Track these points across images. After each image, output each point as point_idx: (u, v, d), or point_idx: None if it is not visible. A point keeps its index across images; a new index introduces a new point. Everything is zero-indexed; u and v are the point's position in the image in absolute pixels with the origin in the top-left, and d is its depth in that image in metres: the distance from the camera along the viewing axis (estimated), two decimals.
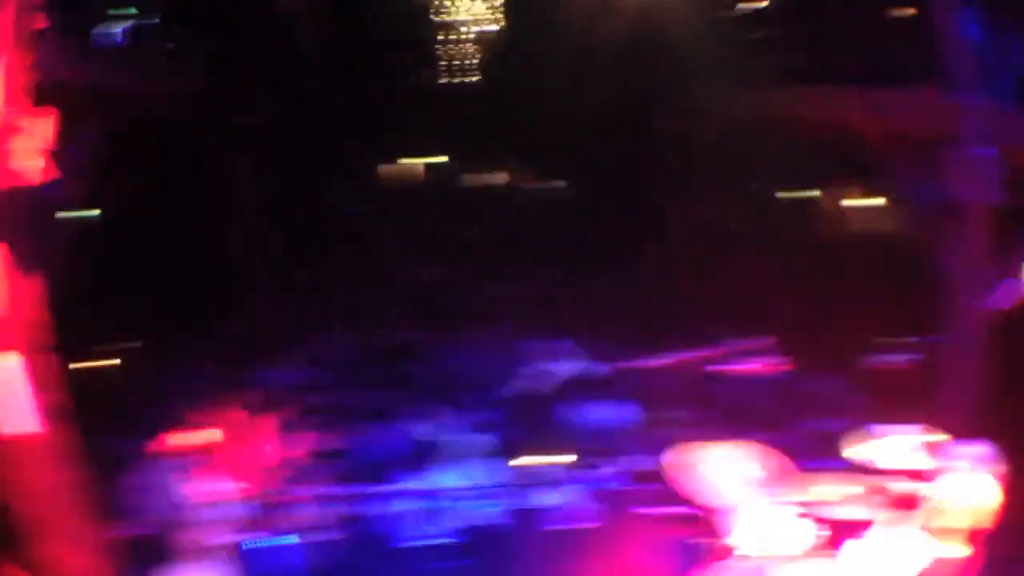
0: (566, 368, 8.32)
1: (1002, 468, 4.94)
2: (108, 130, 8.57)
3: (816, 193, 18.41)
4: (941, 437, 5.57)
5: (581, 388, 8.56)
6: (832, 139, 10.89)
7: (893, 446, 5.61)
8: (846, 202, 18.57)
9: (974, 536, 4.89)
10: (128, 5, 10.21)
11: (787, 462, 5.52)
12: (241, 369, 11.36)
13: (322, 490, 7.19)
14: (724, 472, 4.87)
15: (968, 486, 4.92)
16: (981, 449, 5.03)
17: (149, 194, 14.95)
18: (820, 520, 5.12)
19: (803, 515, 5.17)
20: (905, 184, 8.82)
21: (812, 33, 11.28)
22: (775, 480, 4.69)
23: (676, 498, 7.17)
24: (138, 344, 11.95)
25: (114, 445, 8.76)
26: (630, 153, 17.44)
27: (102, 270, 12.37)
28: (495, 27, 19.21)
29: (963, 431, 6.49)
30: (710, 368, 9.93)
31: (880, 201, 18.09)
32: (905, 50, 9.15)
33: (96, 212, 15.66)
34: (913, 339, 6.12)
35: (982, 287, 7.90)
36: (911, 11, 9.45)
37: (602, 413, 8.89)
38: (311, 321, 13.33)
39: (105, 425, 9.23)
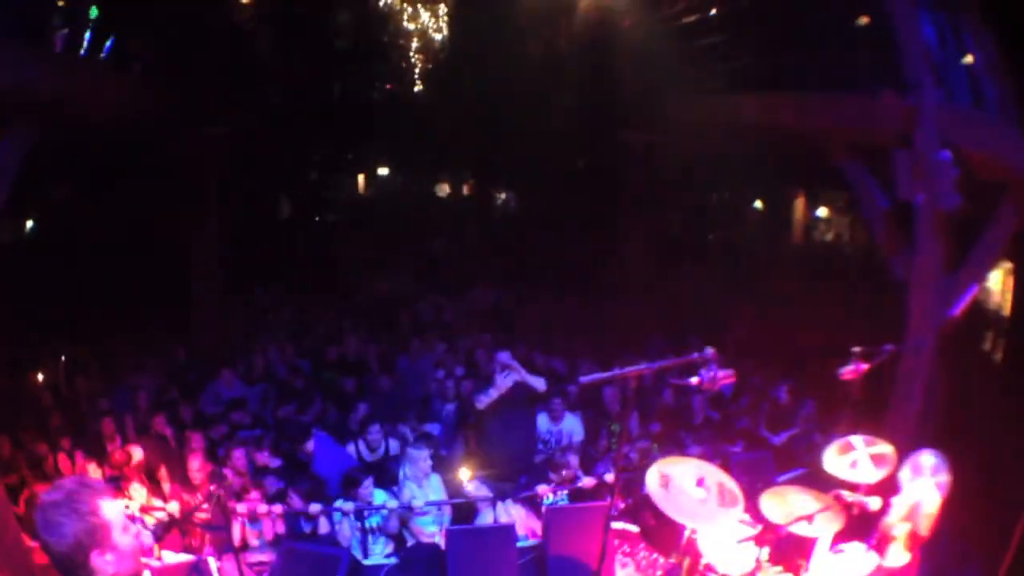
0: (515, 382, 8.03)
1: (951, 476, 4.89)
2: (48, 136, 8.24)
3: (770, 202, 18.65)
4: (892, 447, 5.51)
5: (531, 402, 8.30)
6: (788, 145, 10.88)
7: (846, 457, 5.55)
8: (801, 210, 18.87)
9: (924, 544, 4.85)
10: (78, 8, 9.86)
11: (741, 476, 5.38)
12: (181, 383, 11.03)
13: (257, 508, 6.83)
14: (679, 488, 4.65)
15: (920, 495, 4.84)
16: (932, 458, 4.98)
17: (93, 203, 14.65)
18: (776, 534, 4.99)
19: (759, 531, 5.04)
20: (860, 189, 8.78)
21: (766, 39, 11.29)
22: (730, 495, 4.49)
23: (628, 514, 7.01)
24: (75, 357, 11.58)
25: (45, 459, 8.45)
26: (587, 165, 17.43)
27: (39, 282, 12.03)
28: (453, 39, 19.10)
29: (915, 440, 6.46)
30: (663, 380, 9.83)
31: (836, 208, 18.39)
32: (860, 53, 9.18)
33: (31, 222, 15.43)
34: (867, 348, 6.02)
35: (937, 294, 7.92)
36: (866, 14, 9.47)
37: (552, 427, 8.67)
38: (255, 335, 13.00)
39: (34, 438, 8.92)
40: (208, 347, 12.50)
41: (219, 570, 5.61)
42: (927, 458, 4.97)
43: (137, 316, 13.04)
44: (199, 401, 10.30)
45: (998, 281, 10.90)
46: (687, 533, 4.71)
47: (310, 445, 8.25)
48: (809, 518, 4.90)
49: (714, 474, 4.49)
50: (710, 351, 3.86)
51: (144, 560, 2.79)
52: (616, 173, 15.30)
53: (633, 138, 14.34)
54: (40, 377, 10.79)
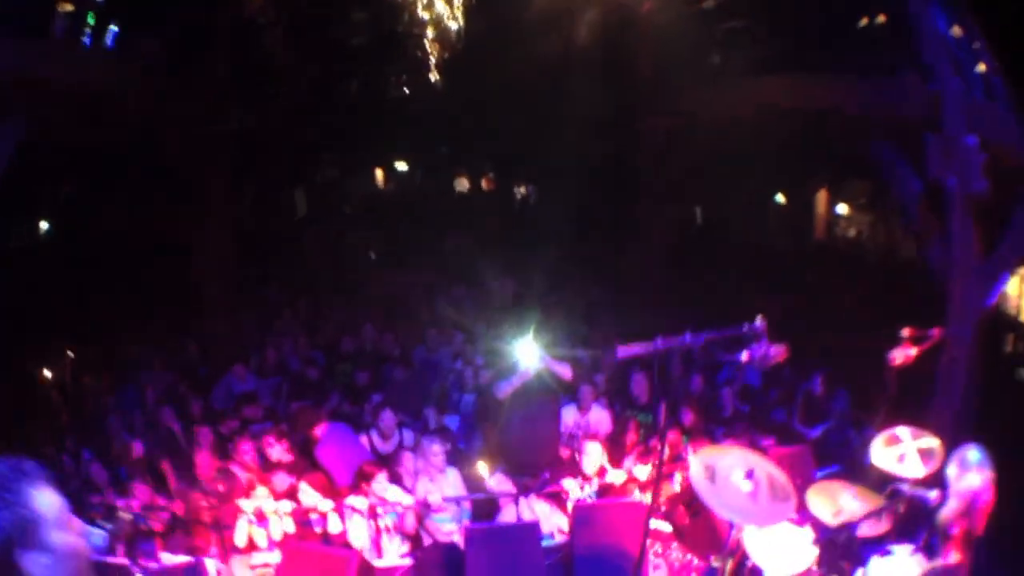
0: (537, 372, 7.63)
1: (995, 470, 4.73)
2: (46, 132, 8.04)
3: (792, 196, 18.34)
4: (937, 441, 5.27)
5: (555, 391, 7.90)
6: (816, 130, 10.63)
7: (893, 450, 5.25)
8: (824, 205, 18.54)
9: (972, 540, 4.66)
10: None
11: (789, 470, 5.04)
12: (192, 378, 10.78)
13: (264, 506, 6.48)
14: (726, 481, 4.26)
15: (975, 489, 4.64)
16: (977, 453, 4.77)
17: (100, 201, 14.48)
18: (826, 532, 4.67)
19: (810, 528, 4.72)
20: (893, 173, 8.71)
21: (788, 23, 11.14)
22: (782, 489, 4.09)
23: (663, 511, 6.62)
24: (85, 354, 11.38)
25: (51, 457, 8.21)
26: (608, 156, 17.11)
27: (47, 280, 11.85)
28: (469, 29, 18.77)
29: (958, 433, 6.25)
30: (691, 369, 9.46)
31: (856, 205, 18.11)
32: (884, 39, 9.19)
33: (46, 224, 15.30)
34: (917, 331, 5.73)
35: (975, 281, 7.88)
36: (882, 11, 9.53)
37: (579, 418, 8.29)
38: (269, 329, 12.74)
39: (42, 437, 8.70)
40: (221, 342, 12.26)
41: (218, 572, 5.24)
42: (973, 453, 4.78)
43: (146, 313, 12.84)
44: (210, 396, 10.01)
45: (1015, 286, 11.24)
46: (734, 531, 4.32)
47: (319, 431, 7.88)
48: (875, 516, 4.55)
49: (763, 466, 4.08)
50: (760, 323, 3.44)
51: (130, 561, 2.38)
52: (637, 164, 15.01)
53: (654, 125, 14.03)
54: (47, 375, 10.59)
